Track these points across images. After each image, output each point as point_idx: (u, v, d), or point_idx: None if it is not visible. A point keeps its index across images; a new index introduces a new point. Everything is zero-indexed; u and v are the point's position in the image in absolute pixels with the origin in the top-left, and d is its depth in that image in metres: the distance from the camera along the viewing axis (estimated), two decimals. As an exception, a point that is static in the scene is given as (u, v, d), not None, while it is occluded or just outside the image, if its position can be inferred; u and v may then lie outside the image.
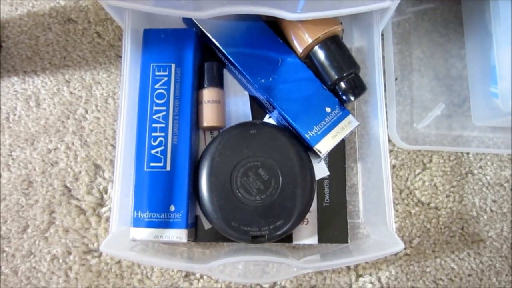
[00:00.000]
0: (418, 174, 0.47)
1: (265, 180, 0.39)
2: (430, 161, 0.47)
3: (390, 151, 0.47)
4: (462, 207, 0.46)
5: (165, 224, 0.38)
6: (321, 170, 0.44)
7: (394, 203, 0.46)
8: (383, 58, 0.49)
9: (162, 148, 0.39)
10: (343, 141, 0.44)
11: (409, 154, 0.47)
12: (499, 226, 0.46)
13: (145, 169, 0.39)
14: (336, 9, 0.38)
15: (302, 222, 0.43)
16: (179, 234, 0.38)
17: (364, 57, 0.45)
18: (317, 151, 0.40)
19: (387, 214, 0.37)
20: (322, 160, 0.44)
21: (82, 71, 0.49)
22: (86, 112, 0.48)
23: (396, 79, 0.48)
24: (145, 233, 0.38)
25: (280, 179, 0.39)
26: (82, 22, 0.50)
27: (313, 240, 0.43)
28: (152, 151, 0.39)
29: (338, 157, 0.45)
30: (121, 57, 0.47)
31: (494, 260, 0.46)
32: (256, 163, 0.39)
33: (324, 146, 0.41)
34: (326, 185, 0.44)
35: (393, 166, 0.47)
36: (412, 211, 0.46)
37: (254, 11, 0.38)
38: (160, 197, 0.38)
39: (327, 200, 0.44)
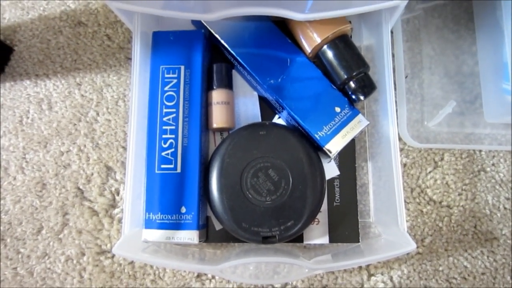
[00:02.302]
0: (430, 172, 0.47)
1: (275, 181, 0.39)
2: (442, 159, 0.47)
3: (401, 149, 0.47)
4: (475, 205, 0.46)
5: (177, 226, 0.38)
6: (331, 169, 0.44)
7: (405, 202, 0.46)
8: (393, 56, 0.48)
9: (173, 150, 0.39)
10: (353, 140, 0.44)
11: (420, 152, 0.47)
12: (513, 225, 0.46)
13: (156, 171, 0.39)
14: (344, 9, 0.38)
15: (312, 222, 0.43)
16: (190, 236, 0.38)
17: (373, 56, 0.45)
18: (327, 151, 0.40)
19: (398, 214, 0.37)
20: (332, 160, 0.44)
21: (93, 73, 0.49)
22: (97, 114, 0.48)
23: (406, 77, 0.48)
24: (157, 235, 0.38)
25: (290, 179, 0.39)
26: (92, 25, 0.50)
27: (324, 240, 0.43)
28: (163, 153, 0.40)
29: (348, 157, 0.45)
30: (131, 59, 0.47)
31: (508, 258, 0.45)
32: (266, 164, 0.40)
33: (334, 146, 0.40)
34: (337, 185, 0.44)
35: (404, 165, 0.47)
36: (424, 210, 0.46)
37: (262, 12, 0.38)
38: (171, 198, 0.39)
39: (337, 199, 0.44)
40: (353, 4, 0.38)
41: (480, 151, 0.47)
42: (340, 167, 0.44)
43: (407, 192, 0.46)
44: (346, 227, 0.43)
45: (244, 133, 0.41)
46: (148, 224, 0.39)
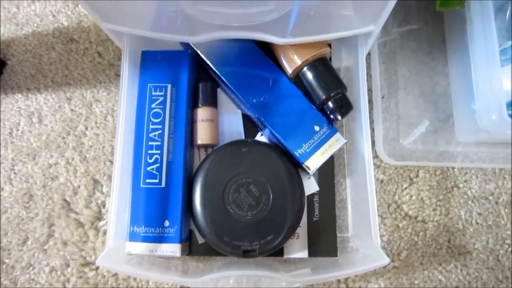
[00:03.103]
0: (405, 188, 0.49)
1: (256, 196, 0.41)
2: (417, 176, 0.49)
3: (378, 166, 0.49)
4: (449, 220, 0.48)
5: (160, 239, 0.40)
6: (311, 185, 0.46)
7: (382, 217, 0.48)
8: (370, 77, 0.51)
9: (158, 165, 0.41)
10: (332, 157, 0.46)
11: (396, 169, 0.49)
12: (485, 238, 0.48)
13: (141, 185, 0.41)
14: (322, 34, 0.40)
15: (292, 237, 0.44)
16: (173, 249, 0.40)
17: (351, 77, 0.47)
18: (306, 168, 0.42)
19: (372, 229, 0.39)
20: (312, 176, 0.46)
21: (83, 89, 0.51)
22: (86, 128, 0.50)
23: (383, 97, 0.50)
24: (140, 247, 0.39)
25: (271, 195, 0.41)
26: (84, 42, 0.52)
27: (304, 254, 0.44)
28: (148, 168, 0.41)
29: (328, 173, 0.47)
30: (120, 76, 0.49)
31: (480, 272, 0.47)
32: (247, 179, 0.41)
33: (313, 163, 0.42)
34: (316, 200, 0.46)
35: (381, 181, 0.49)
36: (400, 225, 0.48)
37: (246, 36, 0.40)
38: (155, 212, 0.40)
39: (317, 215, 0.45)
40: (331, 29, 0.40)
41: (453, 168, 0.50)
42: (319, 183, 0.46)
43: (384, 207, 0.48)
44: (325, 242, 0.45)
45: (227, 149, 0.42)
46: (132, 237, 0.40)
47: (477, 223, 0.48)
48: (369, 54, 0.52)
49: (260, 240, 0.40)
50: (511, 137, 0.39)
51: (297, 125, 0.43)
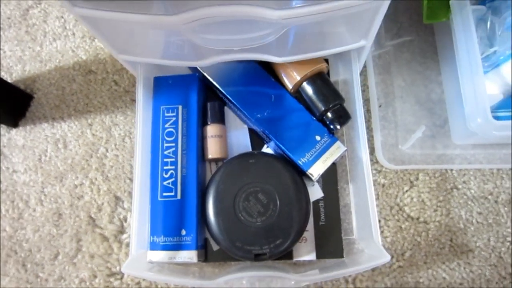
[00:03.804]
0: (406, 191, 0.51)
1: (264, 204, 0.44)
2: (417, 179, 0.52)
3: (379, 171, 0.52)
4: (450, 220, 0.50)
5: (178, 247, 0.43)
6: (316, 192, 0.49)
7: (385, 219, 0.50)
8: (367, 87, 0.54)
9: (173, 179, 0.45)
10: (334, 164, 0.49)
11: (396, 173, 0.52)
12: (486, 236, 0.50)
13: (159, 199, 0.45)
14: (317, 51, 0.44)
15: (300, 241, 0.47)
16: (190, 255, 0.43)
17: (348, 89, 0.51)
18: (310, 175, 0.45)
19: (372, 228, 0.42)
20: (316, 183, 0.49)
21: (102, 115, 0.56)
22: (107, 150, 0.54)
23: (380, 106, 0.53)
24: (160, 255, 0.43)
25: (278, 202, 0.44)
26: (101, 73, 0.57)
27: (312, 256, 0.47)
28: (164, 183, 0.45)
29: (331, 180, 0.50)
30: (135, 101, 0.54)
31: (483, 269, 0.49)
32: (255, 188, 0.45)
33: (316, 170, 0.46)
34: (321, 206, 0.49)
35: (383, 185, 0.51)
36: (403, 226, 0.50)
37: (247, 57, 0.44)
38: (173, 222, 0.44)
39: (322, 219, 0.48)
40: (325, 47, 0.44)
41: (452, 170, 0.52)
42: (324, 189, 0.49)
43: (387, 210, 0.51)
44: (331, 244, 0.47)
45: (236, 162, 0.46)
46: (153, 246, 0.44)
47: (477, 222, 0.50)
48: (365, 66, 0.55)
49: (270, 244, 0.43)
50: (500, 138, 0.42)
51: (300, 136, 0.47)
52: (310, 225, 0.48)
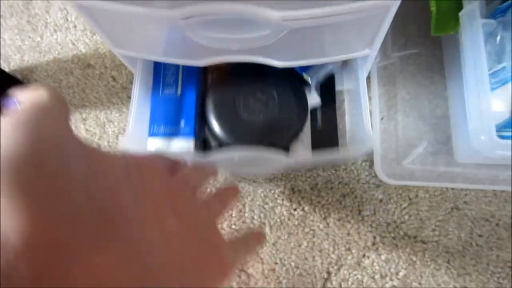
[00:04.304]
0: (405, 208, 0.49)
1: (264, 102, 0.46)
2: (416, 196, 0.50)
3: (378, 186, 0.50)
4: (448, 241, 0.48)
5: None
6: (313, 98, 0.50)
7: (381, 235, 0.48)
8: (370, 98, 0.53)
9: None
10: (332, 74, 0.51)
11: (395, 189, 0.50)
12: (485, 260, 0.47)
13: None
14: (319, 58, 0.43)
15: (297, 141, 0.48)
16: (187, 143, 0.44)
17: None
18: (306, 79, 0.48)
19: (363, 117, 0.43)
20: (314, 90, 0.50)
21: (98, 110, 0.54)
22: (99, 147, 0.53)
23: (382, 119, 0.52)
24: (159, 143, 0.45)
25: (276, 98, 0.46)
26: (99, 68, 0.56)
27: (308, 155, 0.48)
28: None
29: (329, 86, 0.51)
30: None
31: (481, 295, 0.47)
32: (254, 89, 0.46)
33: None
34: (319, 111, 0.50)
35: (380, 200, 0.50)
36: (399, 244, 0.48)
37: (246, 60, 0.43)
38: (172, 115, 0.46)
39: (319, 125, 0.50)
40: (327, 53, 0.43)
41: (453, 189, 0.50)
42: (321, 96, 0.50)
43: (383, 226, 0.49)
44: (327, 144, 0.49)
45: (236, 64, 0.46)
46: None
47: (477, 244, 0.48)
48: (369, 77, 0.54)
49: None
50: (504, 158, 0.40)
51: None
52: (307, 129, 0.49)
